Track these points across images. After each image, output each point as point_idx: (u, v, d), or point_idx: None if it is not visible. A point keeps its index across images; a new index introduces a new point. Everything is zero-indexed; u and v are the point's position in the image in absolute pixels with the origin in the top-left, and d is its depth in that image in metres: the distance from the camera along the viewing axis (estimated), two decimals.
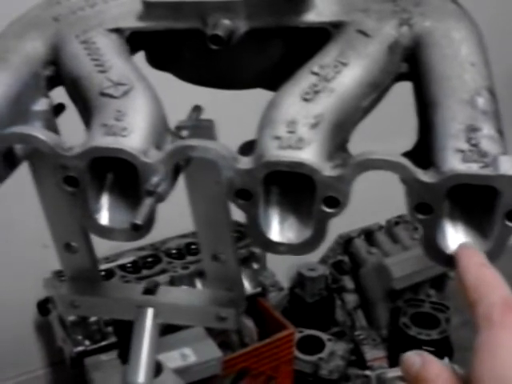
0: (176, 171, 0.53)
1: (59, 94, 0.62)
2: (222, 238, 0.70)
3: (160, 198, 0.52)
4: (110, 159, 0.52)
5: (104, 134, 0.52)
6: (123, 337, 1.50)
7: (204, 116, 0.66)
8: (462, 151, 0.49)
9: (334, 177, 0.49)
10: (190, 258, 1.69)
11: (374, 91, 0.55)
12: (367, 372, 1.73)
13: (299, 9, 0.58)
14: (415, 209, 0.50)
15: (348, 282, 1.98)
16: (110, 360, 1.49)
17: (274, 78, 0.61)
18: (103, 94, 0.55)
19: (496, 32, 1.02)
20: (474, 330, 0.45)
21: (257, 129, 0.53)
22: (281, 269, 1.87)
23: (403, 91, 0.59)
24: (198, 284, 1.64)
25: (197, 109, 0.66)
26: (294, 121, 0.51)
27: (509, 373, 0.42)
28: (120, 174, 0.55)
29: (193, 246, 1.71)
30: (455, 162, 0.49)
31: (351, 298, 1.97)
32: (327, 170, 0.49)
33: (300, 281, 1.91)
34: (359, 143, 0.56)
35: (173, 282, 1.61)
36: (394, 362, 1.79)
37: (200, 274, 1.63)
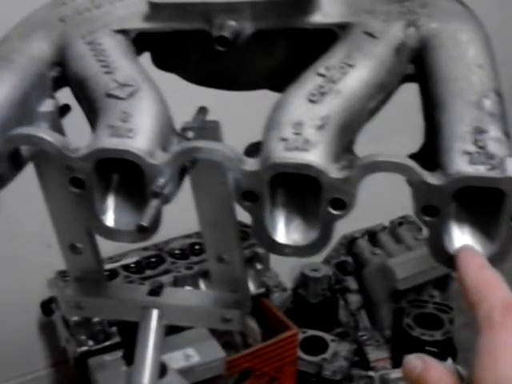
0: (182, 173, 0.53)
1: (64, 95, 0.62)
2: (228, 239, 0.70)
3: (166, 200, 0.52)
4: (116, 160, 0.52)
5: (110, 136, 0.52)
6: (128, 338, 1.50)
7: (209, 117, 0.66)
8: (468, 153, 0.49)
9: (340, 179, 0.49)
10: (193, 259, 1.69)
11: (381, 93, 0.55)
12: (370, 373, 1.73)
13: (305, 10, 0.58)
14: (422, 211, 0.49)
15: (351, 282, 1.98)
16: (113, 360, 1.49)
17: (280, 79, 0.61)
18: (109, 96, 0.55)
19: (501, 33, 1.02)
20: (476, 331, 0.45)
21: (263, 130, 0.53)
22: (284, 269, 1.87)
23: (403, 91, 0.58)
24: (202, 284, 1.64)
25: (202, 110, 0.66)
26: (300, 122, 0.51)
27: (510, 374, 0.42)
28: (126, 176, 0.55)
29: (196, 247, 1.71)
30: (462, 164, 0.48)
31: (354, 299, 1.97)
32: (334, 171, 0.49)
33: (303, 281, 1.90)
34: (360, 143, 0.56)
35: (176, 283, 1.61)
36: (397, 362, 1.79)
37: (204, 275, 1.62)
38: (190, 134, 0.59)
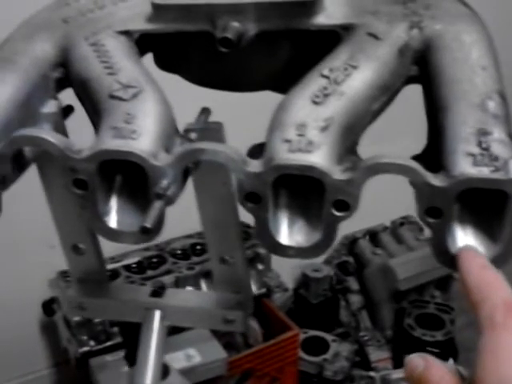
0: (185, 174, 0.53)
1: (67, 96, 0.62)
2: (230, 240, 0.70)
3: (169, 201, 0.52)
4: (119, 162, 0.52)
5: (113, 137, 0.52)
6: (129, 338, 1.50)
7: (212, 118, 0.66)
8: (472, 155, 0.49)
9: (343, 180, 0.49)
10: (195, 259, 1.69)
11: (384, 94, 0.55)
12: (372, 373, 1.73)
13: (309, 11, 0.58)
14: (425, 212, 0.49)
15: (352, 282, 1.98)
16: (115, 361, 1.49)
17: (284, 80, 0.61)
18: (112, 97, 0.55)
19: (503, 34, 1.01)
20: (478, 331, 0.45)
21: (266, 132, 0.53)
22: (285, 270, 1.87)
23: (406, 93, 0.58)
24: (203, 285, 1.64)
25: (205, 111, 0.66)
26: (303, 124, 0.51)
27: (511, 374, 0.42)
28: (129, 177, 0.55)
29: (198, 247, 1.71)
30: (466, 166, 0.48)
31: (356, 299, 1.97)
32: (337, 173, 0.49)
33: (304, 281, 1.90)
34: (362, 144, 0.56)
35: (178, 283, 1.61)
36: (398, 363, 1.79)
37: (205, 275, 1.62)
38: (193, 136, 0.59)
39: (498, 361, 0.43)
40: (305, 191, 0.52)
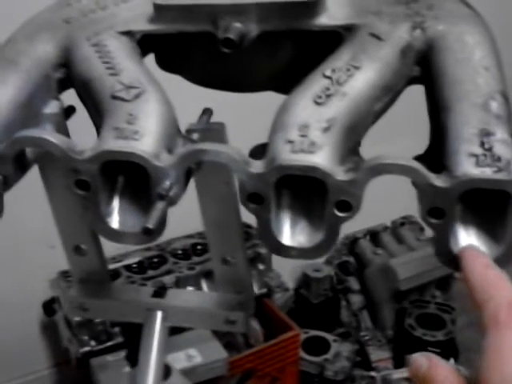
0: (187, 175, 0.53)
1: (69, 97, 0.62)
2: (232, 240, 0.70)
3: (172, 202, 0.52)
4: (122, 162, 0.52)
5: (116, 138, 0.52)
6: (130, 338, 1.50)
7: (214, 119, 0.66)
8: (475, 155, 0.49)
9: (346, 181, 0.49)
10: (195, 259, 1.69)
11: (387, 95, 0.55)
12: (372, 373, 1.74)
13: (311, 12, 0.58)
14: (428, 213, 0.49)
15: (353, 282, 1.98)
16: (116, 361, 1.49)
17: (286, 81, 0.61)
18: (115, 97, 0.55)
19: (505, 34, 1.01)
20: (481, 331, 0.45)
21: (269, 132, 0.53)
22: (286, 270, 1.87)
23: (409, 93, 0.58)
24: (204, 285, 1.64)
25: (207, 112, 0.65)
26: (306, 124, 0.51)
27: None
28: (131, 178, 0.55)
29: (198, 247, 1.71)
30: (468, 167, 0.48)
31: (356, 299, 1.97)
32: (340, 174, 0.49)
33: (305, 281, 1.91)
34: (365, 145, 0.56)
35: (178, 283, 1.61)
36: (399, 363, 1.79)
37: (206, 275, 1.62)
38: (195, 136, 0.59)
39: (502, 360, 0.43)
40: (307, 192, 0.52)
